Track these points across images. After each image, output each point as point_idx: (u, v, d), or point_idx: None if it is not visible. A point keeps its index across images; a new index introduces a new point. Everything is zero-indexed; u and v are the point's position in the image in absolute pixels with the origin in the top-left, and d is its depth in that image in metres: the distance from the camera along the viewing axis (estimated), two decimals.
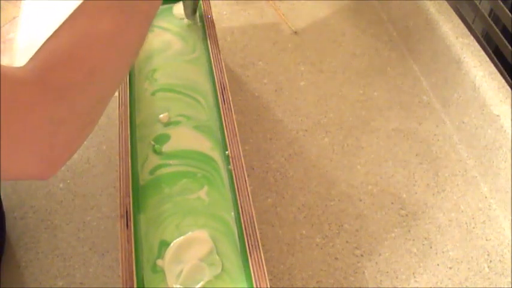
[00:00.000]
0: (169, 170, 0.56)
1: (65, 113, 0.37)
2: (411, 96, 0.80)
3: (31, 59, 0.38)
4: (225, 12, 0.91)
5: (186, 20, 0.69)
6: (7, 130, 0.33)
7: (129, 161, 0.54)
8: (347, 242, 0.64)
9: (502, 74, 0.70)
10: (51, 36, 0.39)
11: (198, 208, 0.53)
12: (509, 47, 0.72)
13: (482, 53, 0.72)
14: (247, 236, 0.49)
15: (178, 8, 0.72)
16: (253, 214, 0.50)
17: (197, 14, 0.72)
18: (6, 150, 0.34)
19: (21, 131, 0.35)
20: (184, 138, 0.59)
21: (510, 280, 0.61)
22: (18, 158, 0.35)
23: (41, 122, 0.35)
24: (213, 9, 0.71)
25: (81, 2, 0.41)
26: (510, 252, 0.64)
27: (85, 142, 0.71)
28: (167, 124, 0.60)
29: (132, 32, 0.43)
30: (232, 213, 0.53)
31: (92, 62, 0.39)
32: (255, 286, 0.46)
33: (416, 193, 0.69)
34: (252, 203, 0.51)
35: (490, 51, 0.75)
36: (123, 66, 0.43)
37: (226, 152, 0.56)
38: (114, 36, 0.41)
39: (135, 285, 0.46)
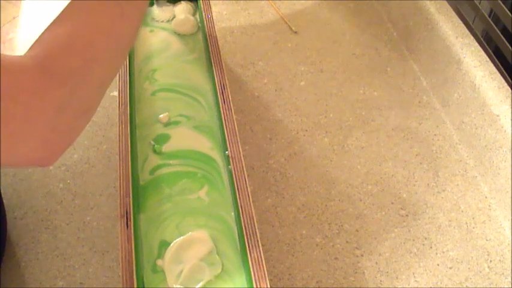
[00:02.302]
0: (169, 170, 0.56)
1: (66, 98, 0.38)
2: (411, 96, 0.80)
3: (31, 47, 0.39)
4: (225, 12, 0.91)
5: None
6: (10, 115, 0.35)
7: (129, 161, 0.54)
8: (347, 242, 0.64)
9: (502, 74, 0.70)
10: (50, 25, 0.40)
11: (198, 208, 0.53)
12: (509, 47, 0.72)
13: (482, 53, 0.72)
14: (247, 236, 0.49)
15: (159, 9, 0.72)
16: (253, 214, 0.50)
17: (197, 16, 0.72)
18: (9, 135, 0.35)
19: (24, 116, 0.36)
20: (184, 138, 0.59)
21: (510, 280, 0.61)
22: (20, 143, 0.37)
23: (43, 107, 0.37)
24: (213, 9, 0.71)
25: None
26: (510, 252, 0.64)
27: (85, 142, 0.72)
28: (167, 124, 0.60)
29: (127, 21, 0.45)
30: (232, 213, 0.53)
31: (90, 50, 0.40)
32: (255, 286, 0.46)
33: (416, 193, 0.69)
34: (252, 203, 0.51)
35: (490, 51, 0.75)
36: (120, 53, 0.45)
37: (226, 152, 0.56)
38: (111, 26, 0.42)
39: (135, 285, 0.46)
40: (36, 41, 0.39)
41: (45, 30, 0.40)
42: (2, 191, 0.64)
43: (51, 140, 0.38)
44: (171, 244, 0.50)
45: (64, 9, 0.41)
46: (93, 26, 0.41)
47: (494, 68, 0.70)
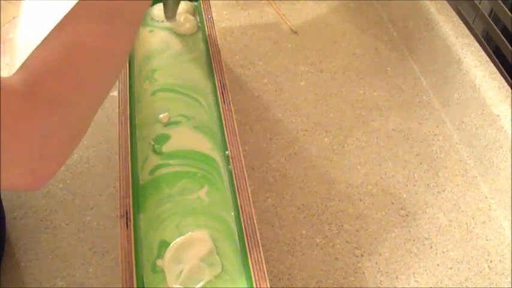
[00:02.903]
0: (169, 170, 0.56)
1: (55, 125, 0.37)
2: (411, 96, 0.80)
3: (20, 68, 0.37)
4: (225, 12, 0.91)
5: (166, 22, 0.69)
6: None
7: (129, 161, 0.54)
8: (347, 242, 0.64)
9: (502, 74, 0.70)
10: (39, 46, 0.39)
11: (198, 208, 0.53)
12: (509, 47, 0.72)
13: (482, 53, 0.72)
14: (247, 236, 0.49)
15: (159, 9, 0.72)
16: (253, 214, 0.50)
17: (197, 16, 0.72)
18: None
19: (12, 143, 0.34)
20: (184, 138, 0.59)
21: (510, 280, 0.61)
22: (8, 170, 0.35)
23: (30, 134, 0.35)
24: (213, 9, 0.71)
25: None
26: (510, 252, 0.64)
27: (85, 142, 0.72)
28: (167, 124, 0.60)
29: (119, 42, 0.43)
30: (232, 213, 0.53)
31: (80, 74, 0.39)
32: (255, 286, 0.46)
33: (416, 193, 0.69)
34: (252, 203, 0.51)
35: (490, 51, 0.75)
36: (111, 76, 0.43)
37: (226, 152, 0.56)
38: (101, 48, 0.41)
39: (135, 285, 0.46)
40: (25, 61, 0.38)
41: (35, 50, 0.39)
42: (2, 191, 0.63)
43: (39, 167, 0.37)
44: (171, 244, 0.50)
45: (54, 28, 0.40)
46: (81, 47, 0.39)
47: (494, 68, 0.70)
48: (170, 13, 0.66)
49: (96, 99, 0.42)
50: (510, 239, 0.65)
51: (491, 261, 0.63)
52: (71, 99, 0.38)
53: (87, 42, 0.40)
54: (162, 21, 0.71)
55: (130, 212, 0.50)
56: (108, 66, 0.42)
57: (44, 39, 0.39)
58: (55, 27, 0.40)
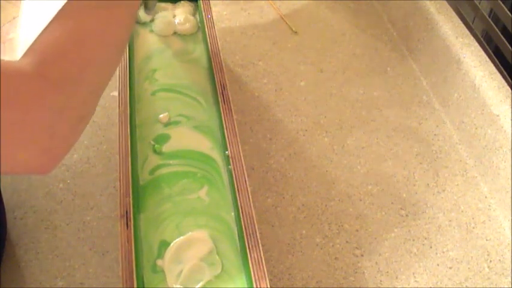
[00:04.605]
0: (169, 170, 0.56)
1: (63, 104, 0.38)
2: (411, 96, 0.80)
3: (26, 53, 0.39)
4: (225, 12, 0.91)
5: (148, 16, 0.69)
6: (9, 122, 0.35)
7: (129, 161, 0.54)
8: (347, 242, 0.64)
9: (502, 74, 0.70)
10: (44, 31, 0.41)
11: (198, 208, 0.53)
12: (509, 47, 0.72)
13: (482, 53, 0.72)
14: (247, 236, 0.49)
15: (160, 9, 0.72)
16: (253, 214, 0.50)
17: (197, 16, 0.72)
18: (8, 142, 0.35)
19: (22, 122, 0.36)
20: (184, 138, 0.59)
21: (510, 280, 0.61)
22: (20, 150, 0.37)
23: (41, 113, 0.37)
24: (213, 9, 0.71)
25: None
26: (510, 252, 0.64)
27: (85, 142, 0.72)
28: (167, 124, 0.60)
29: (119, 26, 0.45)
30: (232, 213, 0.53)
31: (85, 55, 0.41)
32: (255, 286, 0.46)
33: (416, 193, 0.69)
34: (252, 203, 0.51)
35: (490, 51, 0.76)
36: (113, 57, 0.46)
37: (226, 152, 0.56)
38: (103, 32, 0.43)
39: (135, 285, 0.46)
40: (31, 46, 0.39)
41: (39, 36, 0.40)
42: (2, 191, 0.63)
43: (50, 147, 0.39)
44: (171, 244, 0.50)
45: (56, 15, 0.41)
46: (84, 31, 0.41)
47: (494, 68, 0.70)
48: (150, 5, 0.65)
49: (101, 80, 0.44)
50: (510, 239, 0.65)
51: (491, 261, 0.63)
52: (78, 79, 0.40)
53: (89, 27, 0.42)
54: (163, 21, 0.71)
55: (130, 212, 0.50)
56: (110, 49, 0.45)
57: (47, 26, 0.41)
58: (57, 14, 0.42)
